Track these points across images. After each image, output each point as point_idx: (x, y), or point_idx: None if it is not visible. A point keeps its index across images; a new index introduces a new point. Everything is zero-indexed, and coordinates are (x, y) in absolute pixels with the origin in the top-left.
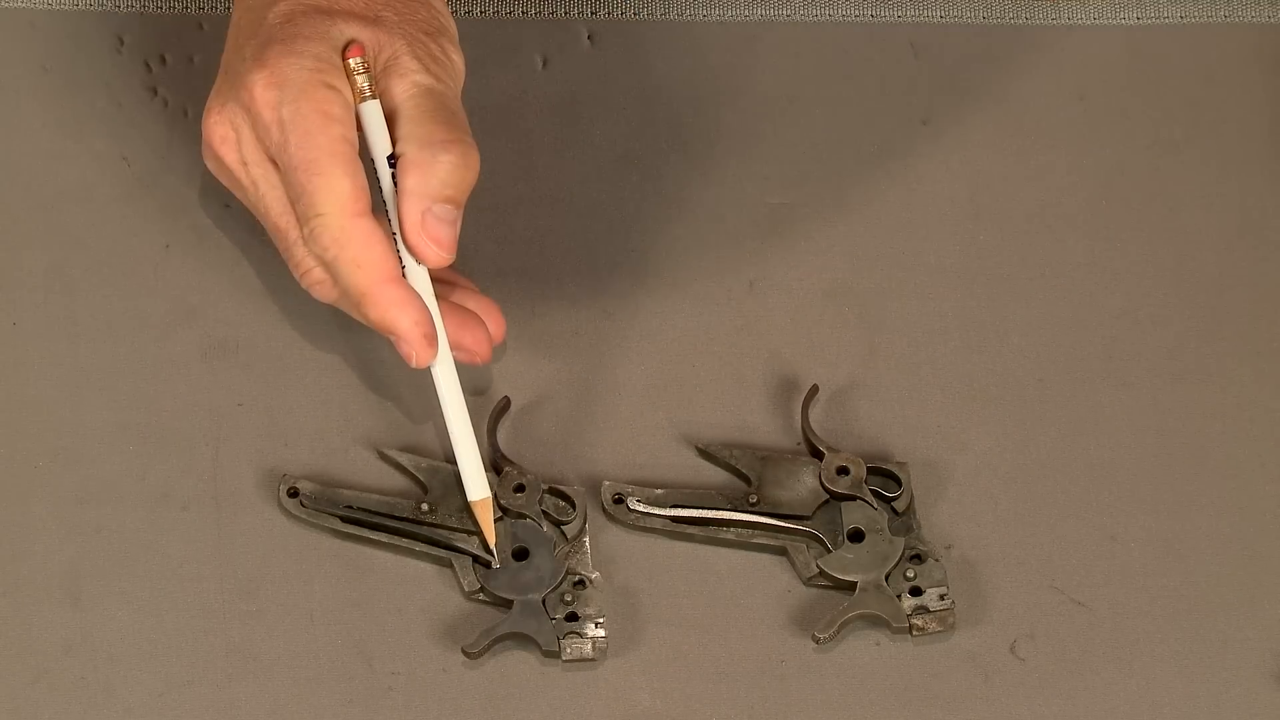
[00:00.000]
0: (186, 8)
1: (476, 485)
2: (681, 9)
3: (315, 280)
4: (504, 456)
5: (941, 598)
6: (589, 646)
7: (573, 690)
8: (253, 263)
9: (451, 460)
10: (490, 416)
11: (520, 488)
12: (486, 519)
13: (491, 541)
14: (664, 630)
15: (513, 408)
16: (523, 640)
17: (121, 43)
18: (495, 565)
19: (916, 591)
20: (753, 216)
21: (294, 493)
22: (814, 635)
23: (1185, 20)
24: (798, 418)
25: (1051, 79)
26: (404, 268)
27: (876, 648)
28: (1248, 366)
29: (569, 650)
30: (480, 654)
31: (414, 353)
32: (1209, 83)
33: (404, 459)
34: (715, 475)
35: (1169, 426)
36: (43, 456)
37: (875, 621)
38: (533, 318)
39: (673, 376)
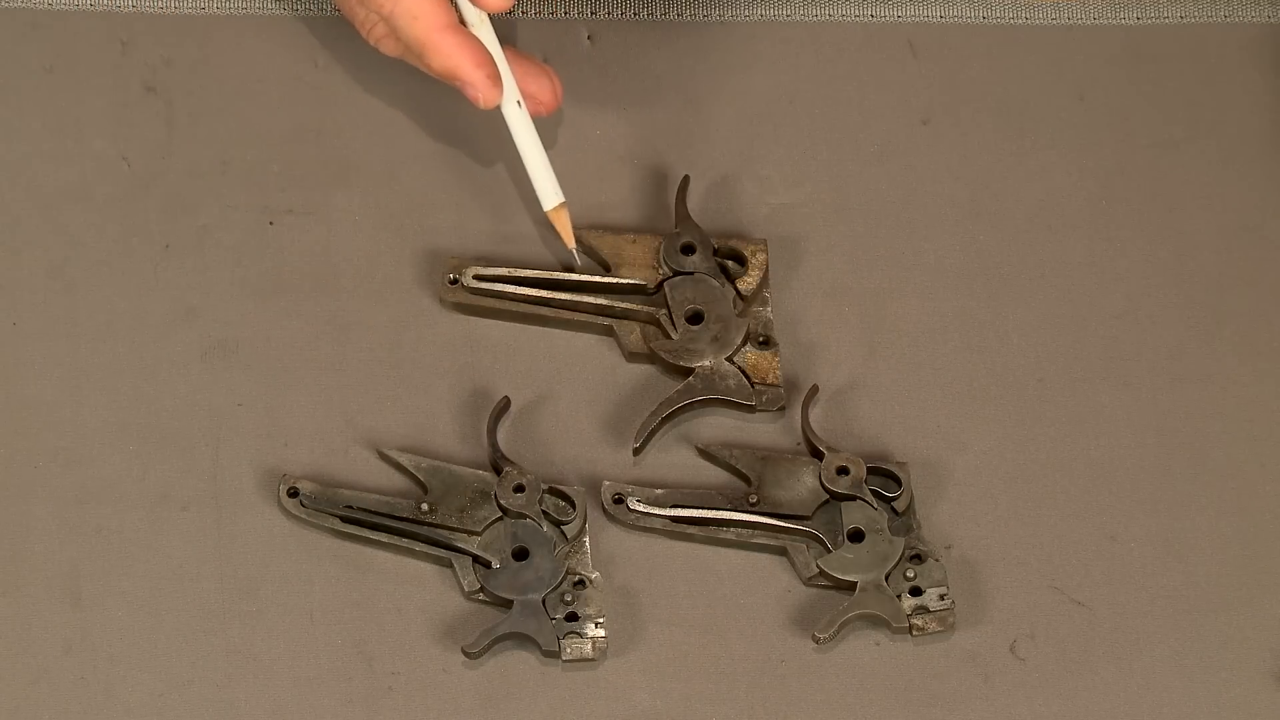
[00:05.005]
0: (187, 8)
1: (550, 194)
2: (681, 9)
3: (379, 36)
4: (504, 456)
5: (941, 598)
6: (589, 646)
7: (573, 690)
8: (253, 263)
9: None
10: (490, 416)
11: (520, 488)
12: (565, 224)
13: (571, 244)
14: (664, 630)
15: (513, 408)
16: (523, 640)
17: (123, 43)
18: (578, 266)
19: (916, 591)
20: (753, 216)
21: (294, 493)
22: (814, 635)
23: (1185, 20)
24: (798, 418)
25: (1051, 79)
26: (463, 20)
27: (876, 648)
28: (1248, 366)
29: (569, 650)
30: (480, 654)
31: (480, 94)
32: (1209, 83)
33: (404, 459)
34: (715, 475)
35: (1169, 426)
36: (43, 456)
37: (875, 621)
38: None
39: (673, 376)
